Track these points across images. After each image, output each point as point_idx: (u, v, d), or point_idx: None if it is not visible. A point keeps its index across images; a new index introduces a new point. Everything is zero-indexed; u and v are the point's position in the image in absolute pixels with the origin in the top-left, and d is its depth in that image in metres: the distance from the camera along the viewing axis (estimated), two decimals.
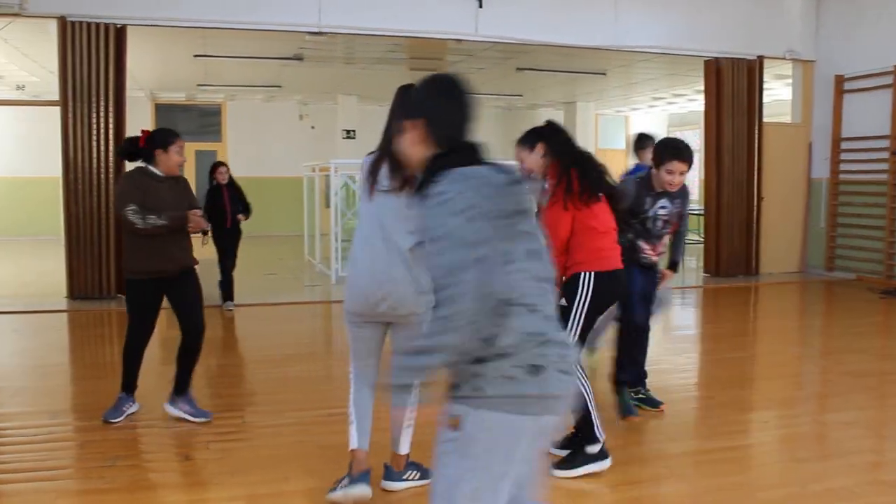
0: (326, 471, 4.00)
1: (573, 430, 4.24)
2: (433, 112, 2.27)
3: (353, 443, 3.67)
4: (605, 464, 4.05)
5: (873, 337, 7.60)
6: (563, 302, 4.08)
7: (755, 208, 11.77)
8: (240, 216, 8.80)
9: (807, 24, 11.82)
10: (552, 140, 4.21)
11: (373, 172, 3.55)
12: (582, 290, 4.02)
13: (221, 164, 9.09)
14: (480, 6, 10.03)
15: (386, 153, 3.48)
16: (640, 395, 5.12)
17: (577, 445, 4.09)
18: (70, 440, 4.59)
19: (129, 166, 5.11)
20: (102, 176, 9.12)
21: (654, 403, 5.04)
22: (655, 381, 5.77)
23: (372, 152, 3.68)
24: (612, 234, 4.13)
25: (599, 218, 4.05)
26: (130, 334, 4.83)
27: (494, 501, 2.17)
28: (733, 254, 11.67)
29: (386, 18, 9.93)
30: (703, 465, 4.18)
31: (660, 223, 4.79)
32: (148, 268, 4.68)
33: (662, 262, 5.04)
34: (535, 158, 4.20)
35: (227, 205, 8.76)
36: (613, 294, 4.17)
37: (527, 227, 2.23)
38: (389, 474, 3.81)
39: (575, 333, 4.05)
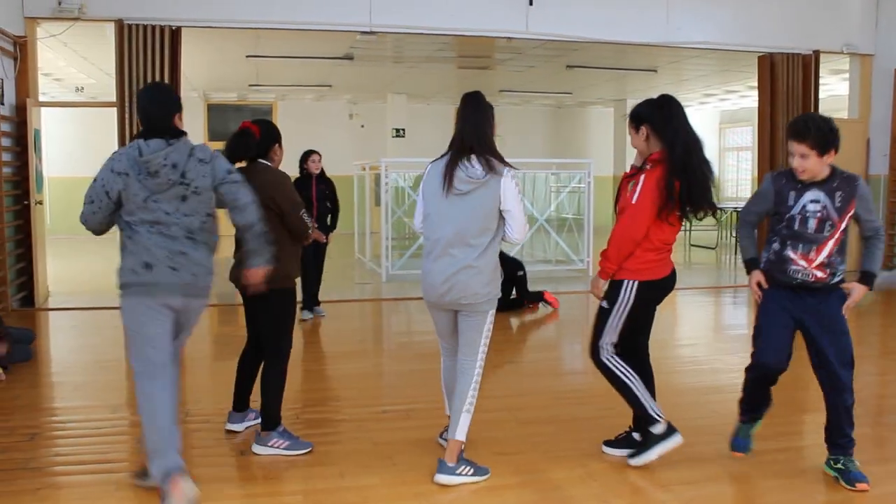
0: (381, 467, 4.04)
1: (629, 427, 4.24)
2: (139, 107, 3.66)
3: (448, 409, 4.16)
4: (675, 440, 4.01)
5: None
6: (605, 304, 4.04)
7: None
8: (319, 235, 7.25)
9: (866, 16, 11.53)
10: (660, 127, 3.90)
11: (448, 174, 3.77)
12: (624, 297, 3.99)
13: (314, 152, 8.16)
14: (531, 4, 9.97)
15: (462, 153, 3.78)
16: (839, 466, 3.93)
17: (643, 431, 4.10)
18: (129, 434, 4.68)
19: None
20: None
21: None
22: (709, 380, 5.72)
23: (438, 158, 3.90)
24: (666, 248, 4.00)
25: (664, 232, 3.94)
26: (285, 353, 4.35)
27: (143, 354, 3.53)
28: None
29: (436, 17, 9.95)
30: (759, 465, 4.12)
31: (812, 222, 3.73)
32: (297, 273, 4.47)
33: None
34: (640, 141, 3.98)
35: (314, 199, 7.91)
36: (653, 300, 4.12)
37: (164, 183, 3.48)
38: (442, 468, 3.83)
39: (613, 335, 4.04)
